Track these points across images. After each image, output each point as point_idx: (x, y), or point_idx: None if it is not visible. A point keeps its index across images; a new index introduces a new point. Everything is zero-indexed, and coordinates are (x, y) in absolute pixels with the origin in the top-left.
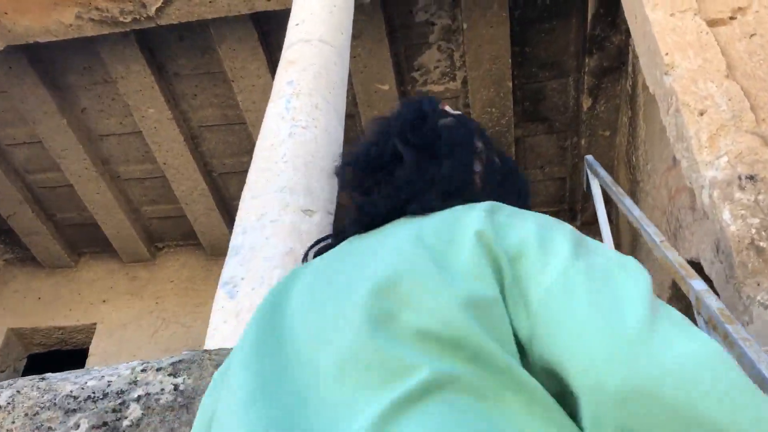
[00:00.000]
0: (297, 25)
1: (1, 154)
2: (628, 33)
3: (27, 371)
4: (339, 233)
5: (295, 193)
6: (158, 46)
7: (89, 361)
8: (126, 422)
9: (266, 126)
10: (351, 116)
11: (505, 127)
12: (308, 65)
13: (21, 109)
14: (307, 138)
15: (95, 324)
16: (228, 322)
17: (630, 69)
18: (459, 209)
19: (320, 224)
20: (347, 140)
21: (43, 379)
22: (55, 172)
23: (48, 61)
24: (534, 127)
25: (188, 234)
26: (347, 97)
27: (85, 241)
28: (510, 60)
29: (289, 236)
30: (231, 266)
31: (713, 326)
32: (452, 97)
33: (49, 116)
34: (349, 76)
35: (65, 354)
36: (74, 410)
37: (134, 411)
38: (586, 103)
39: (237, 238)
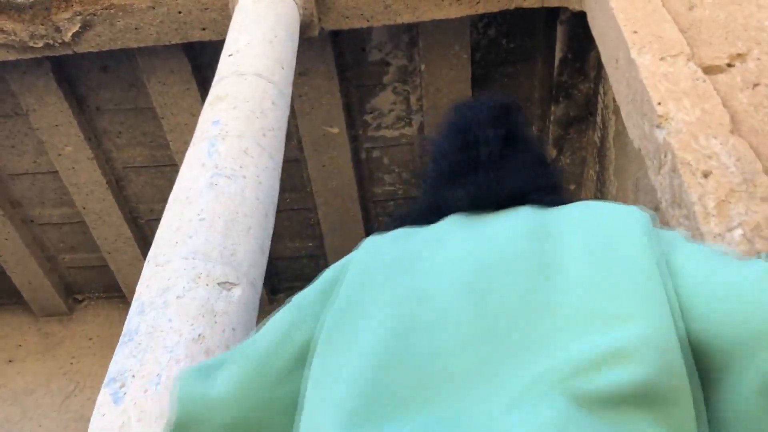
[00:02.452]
0: (230, 55)
1: None
2: (597, 81)
3: None
4: (432, 210)
5: (210, 261)
6: (77, 76)
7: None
8: None
9: (183, 174)
10: (296, 161)
11: None
12: (240, 102)
13: None
14: (232, 190)
15: (4, 387)
16: None
17: (599, 120)
18: (600, 214)
19: (241, 300)
20: (292, 188)
21: None
22: None
23: None
24: None
25: (111, 285)
26: (291, 141)
27: None
28: None
29: (198, 318)
30: (121, 357)
31: None
32: (408, 143)
33: None
34: (294, 117)
35: None
36: None
37: None
38: (551, 154)
39: (132, 320)
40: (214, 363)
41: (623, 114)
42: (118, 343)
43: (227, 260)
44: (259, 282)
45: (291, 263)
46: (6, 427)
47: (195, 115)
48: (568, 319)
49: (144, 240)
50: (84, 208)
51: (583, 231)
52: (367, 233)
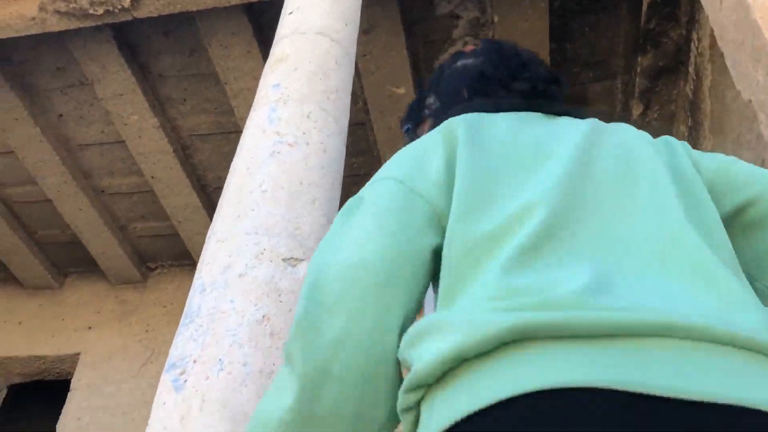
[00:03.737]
0: (291, 13)
1: None
2: (690, 26)
3: (5, 403)
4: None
5: (274, 236)
6: (139, 42)
7: (71, 395)
8: None
9: (244, 143)
10: (361, 124)
11: None
12: (301, 64)
13: None
14: (295, 158)
15: (79, 354)
16: (169, 428)
17: (691, 70)
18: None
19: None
20: (359, 152)
21: None
22: (31, 186)
23: (15, 61)
24: None
25: (182, 254)
26: (356, 103)
27: (70, 261)
28: (548, 58)
29: (262, 297)
30: (181, 340)
31: None
32: None
33: (21, 123)
34: (358, 77)
35: (47, 385)
36: None
37: None
38: (637, 109)
39: (193, 299)
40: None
41: (728, 62)
42: (179, 325)
43: (292, 234)
44: None
45: None
46: (87, 391)
47: (258, 79)
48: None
49: (212, 208)
50: (152, 177)
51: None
52: None
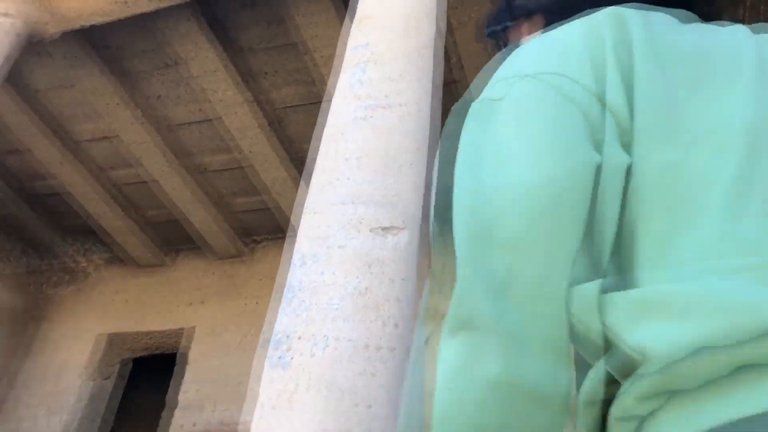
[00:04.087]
0: None
1: (82, 152)
2: None
3: (132, 375)
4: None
5: (369, 205)
6: (225, 17)
7: (188, 368)
8: None
9: (333, 108)
10: (455, 82)
11: None
12: (388, 21)
13: (91, 102)
14: (387, 123)
15: (189, 327)
16: (278, 408)
17: None
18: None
19: (410, 246)
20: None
21: None
22: (134, 168)
23: (111, 47)
24: None
25: (281, 226)
26: (448, 60)
27: (174, 239)
28: None
29: (363, 269)
30: (285, 316)
31: None
32: None
33: (120, 108)
34: (450, 32)
35: (161, 358)
36: None
37: None
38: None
39: (294, 274)
40: None
41: None
42: (282, 300)
43: (389, 202)
44: (427, 223)
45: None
46: (198, 363)
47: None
48: None
49: (307, 180)
50: (248, 152)
51: None
52: None
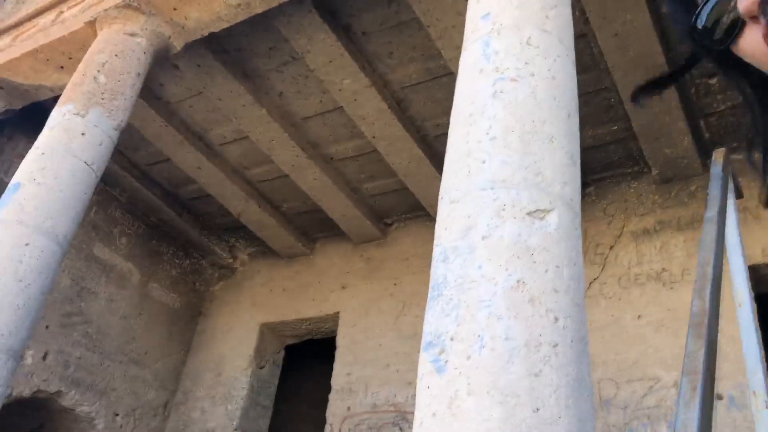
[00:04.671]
0: None
1: (218, 155)
2: None
3: (287, 362)
4: None
5: (512, 187)
6: (337, 6)
7: (338, 353)
8: None
9: (460, 86)
10: (581, 36)
11: None
12: None
13: (221, 107)
14: (521, 95)
15: (338, 312)
16: (438, 415)
17: None
18: None
19: (560, 229)
20: (582, 68)
21: None
22: (268, 164)
23: (232, 51)
24: None
25: (414, 206)
26: (573, 13)
27: (315, 228)
28: None
29: (513, 260)
30: (433, 316)
31: None
32: None
33: (248, 108)
34: None
35: (318, 342)
36: None
37: None
38: None
39: (437, 269)
40: None
41: None
42: (428, 298)
43: (533, 182)
44: (577, 201)
45: (596, 152)
46: (350, 347)
47: (462, 14)
48: None
49: (436, 157)
50: (374, 137)
51: None
52: (684, 102)
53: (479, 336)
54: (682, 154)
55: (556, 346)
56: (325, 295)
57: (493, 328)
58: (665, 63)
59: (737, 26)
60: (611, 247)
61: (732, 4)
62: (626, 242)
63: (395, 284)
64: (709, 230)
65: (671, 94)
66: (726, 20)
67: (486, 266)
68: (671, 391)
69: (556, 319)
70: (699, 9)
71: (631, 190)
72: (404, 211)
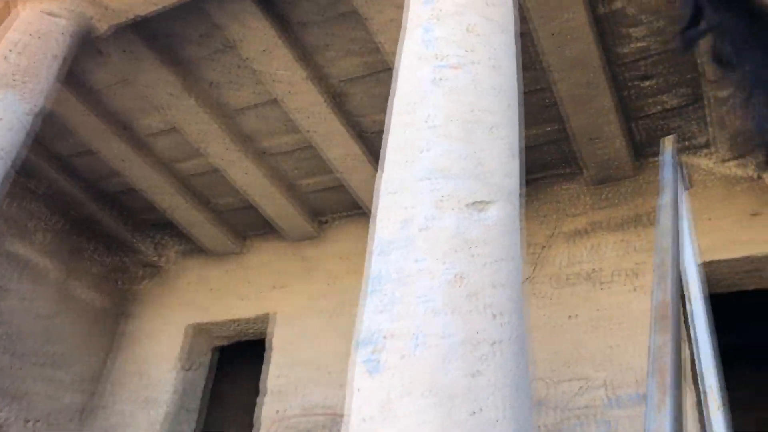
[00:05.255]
0: None
1: (146, 146)
2: None
3: (217, 364)
4: None
5: (452, 178)
6: None
7: (269, 354)
8: None
9: (400, 74)
10: (521, 35)
11: None
12: None
13: (149, 95)
14: (462, 83)
15: (270, 313)
16: (370, 419)
17: None
18: None
19: (500, 222)
20: (522, 66)
21: None
22: (199, 158)
23: (161, 37)
24: None
25: (351, 204)
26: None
27: (247, 225)
28: None
29: (451, 253)
30: (369, 311)
31: None
32: None
33: (177, 98)
34: None
35: (250, 344)
36: None
37: None
38: None
39: (374, 263)
40: None
41: None
42: (364, 292)
43: (473, 173)
44: (517, 193)
45: (532, 153)
46: (283, 348)
47: (401, 7)
48: None
49: (374, 154)
50: (310, 132)
51: None
52: (618, 104)
53: (415, 333)
54: (614, 156)
55: (495, 344)
56: (258, 295)
57: (431, 324)
58: (601, 65)
59: None
60: (544, 247)
61: None
62: (559, 242)
63: (331, 284)
64: (665, 216)
65: (606, 96)
66: None
67: (424, 260)
68: (600, 391)
69: (495, 316)
70: None
71: (565, 191)
72: (341, 208)
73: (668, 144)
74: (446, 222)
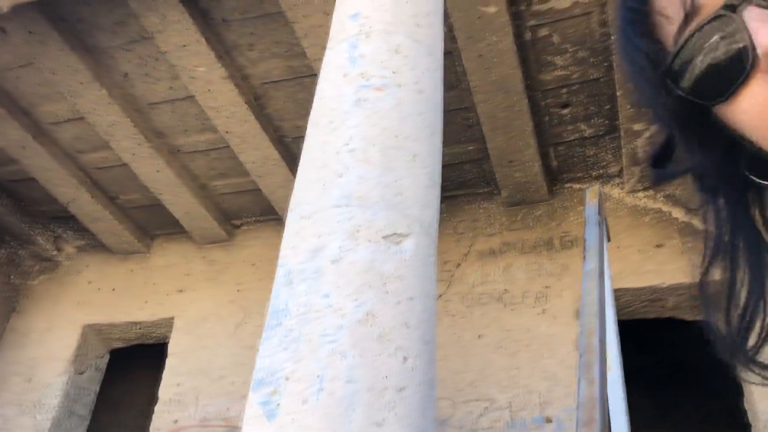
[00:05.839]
0: None
1: (48, 135)
2: None
3: (111, 368)
4: None
5: (369, 206)
6: None
7: (168, 361)
8: None
9: (322, 90)
10: (447, 53)
11: None
12: None
13: (54, 81)
14: (386, 105)
15: (173, 318)
16: None
17: None
18: None
19: (416, 256)
20: (448, 86)
21: None
22: (106, 151)
23: (71, 20)
24: None
25: (266, 209)
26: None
27: (155, 224)
28: None
29: (363, 289)
30: (269, 348)
31: None
32: (582, 13)
33: (86, 87)
34: None
35: (148, 348)
36: None
37: None
38: None
39: (279, 295)
40: None
41: None
42: (265, 327)
43: (392, 203)
44: (435, 226)
45: (452, 171)
46: (183, 355)
47: (330, 14)
48: None
49: (293, 159)
50: (227, 132)
51: None
52: (537, 129)
53: (319, 376)
54: (531, 179)
55: (402, 390)
56: (161, 298)
57: (336, 367)
58: (524, 90)
59: (741, 73)
60: (459, 265)
61: (738, 35)
62: (473, 261)
63: (239, 290)
64: (591, 289)
65: (526, 120)
66: (721, 58)
67: (334, 294)
68: (505, 413)
69: (405, 359)
70: (682, 43)
71: (482, 210)
72: (255, 213)
73: (592, 197)
74: (360, 254)
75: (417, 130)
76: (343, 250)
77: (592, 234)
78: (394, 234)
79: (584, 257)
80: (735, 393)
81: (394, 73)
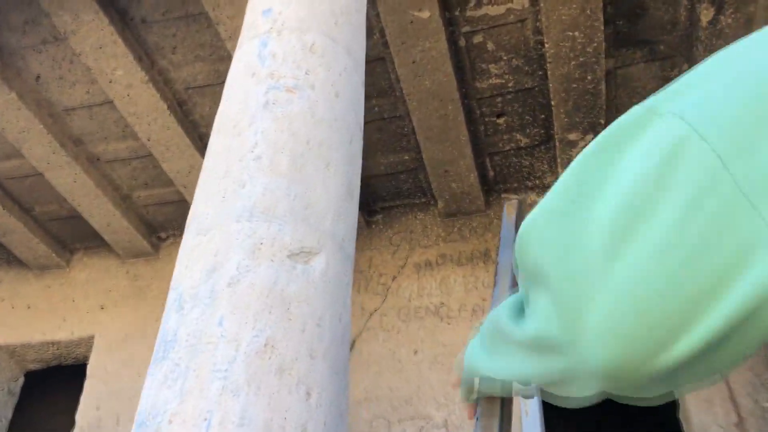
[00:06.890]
0: None
1: None
2: None
3: (25, 391)
4: None
5: (275, 220)
6: None
7: (88, 383)
8: None
9: (228, 90)
10: (380, 59)
11: (592, 57)
12: None
13: None
14: (297, 109)
15: (93, 336)
16: None
17: None
18: None
19: (327, 276)
20: (379, 92)
21: None
22: (18, 159)
23: None
24: (631, 53)
25: None
26: (372, 35)
27: (74, 237)
28: None
29: (263, 314)
30: (154, 383)
31: None
32: (517, 21)
33: None
34: (372, 1)
35: (66, 369)
36: None
37: None
38: (706, 15)
39: (168, 322)
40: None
41: None
42: (152, 360)
43: (301, 216)
44: (351, 240)
45: (387, 181)
46: (104, 376)
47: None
48: None
49: None
50: (149, 140)
51: None
52: (472, 138)
53: (207, 418)
54: (467, 190)
55: (304, 430)
56: (81, 316)
57: (227, 406)
58: (459, 98)
59: None
60: (394, 278)
61: None
62: (409, 273)
63: (164, 308)
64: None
65: (461, 129)
66: None
67: (228, 321)
68: (441, 431)
69: (309, 394)
70: None
71: (418, 222)
72: (181, 225)
73: (510, 212)
74: (262, 274)
75: (332, 137)
76: (241, 271)
77: (505, 256)
78: (302, 251)
79: (495, 282)
80: (669, 404)
81: (307, 73)
